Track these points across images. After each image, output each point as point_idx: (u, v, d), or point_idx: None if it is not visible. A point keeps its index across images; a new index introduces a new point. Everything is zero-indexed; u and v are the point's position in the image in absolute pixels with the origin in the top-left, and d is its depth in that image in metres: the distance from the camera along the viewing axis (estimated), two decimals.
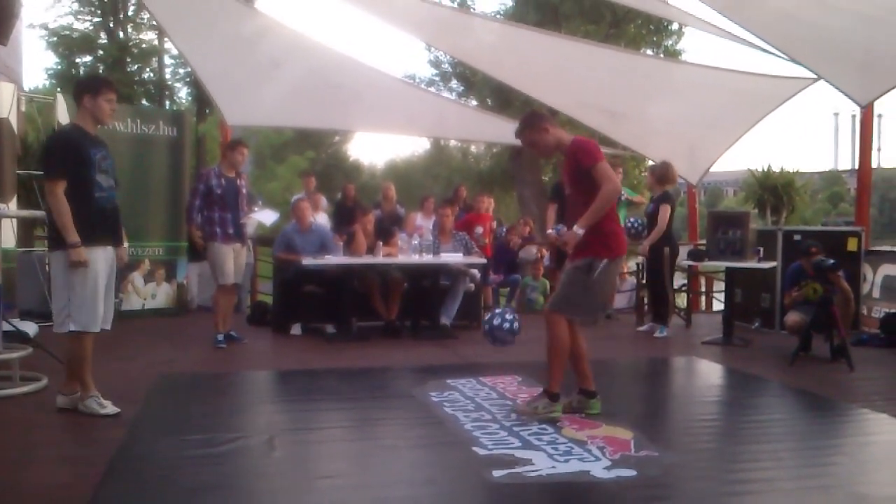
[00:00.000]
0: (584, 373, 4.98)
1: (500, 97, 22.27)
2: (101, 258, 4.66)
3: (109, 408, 4.69)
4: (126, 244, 5.15)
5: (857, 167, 11.03)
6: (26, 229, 9.11)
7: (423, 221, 10.49)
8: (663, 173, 8.58)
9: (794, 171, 11.43)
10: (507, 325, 5.32)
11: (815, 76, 9.28)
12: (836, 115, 73.74)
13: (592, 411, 4.87)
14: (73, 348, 4.68)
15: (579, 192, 4.72)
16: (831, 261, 7.01)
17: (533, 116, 4.92)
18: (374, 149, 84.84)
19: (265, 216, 9.84)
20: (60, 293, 4.63)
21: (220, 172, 7.39)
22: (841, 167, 60.68)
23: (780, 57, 8.83)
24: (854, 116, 66.38)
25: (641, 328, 8.87)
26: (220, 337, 7.40)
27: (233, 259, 7.38)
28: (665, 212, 8.30)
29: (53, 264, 4.72)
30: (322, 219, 10.09)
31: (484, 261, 9.12)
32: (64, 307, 4.60)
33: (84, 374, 4.70)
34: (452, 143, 32.30)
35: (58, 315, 4.65)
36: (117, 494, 3.45)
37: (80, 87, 4.83)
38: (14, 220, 7.68)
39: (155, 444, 4.19)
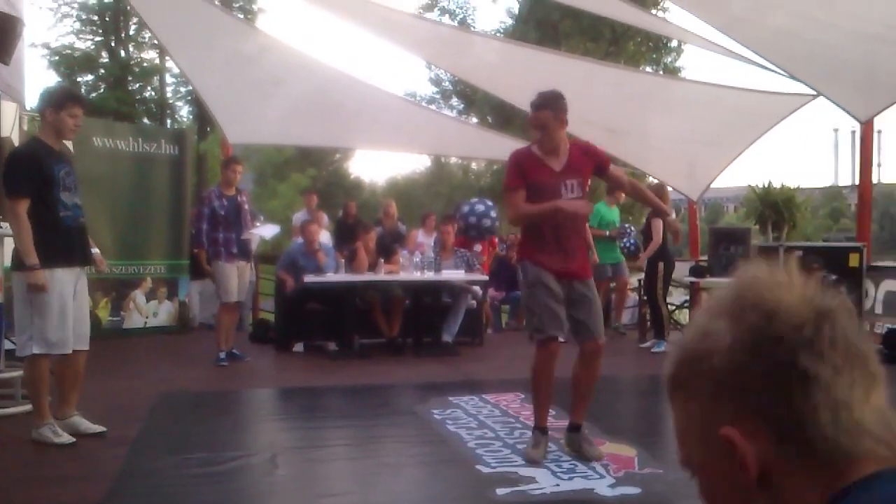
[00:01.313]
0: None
1: (500, 115, 22.38)
2: (67, 279, 4.48)
3: (64, 437, 4.49)
4: (96, 249, 5.00)
5: (857, 183, 11.03)
6: None
7: (424, 238, 10.49)
8: (658, 193, 8.67)
9: (795, 186, 11.43)
10: None
11: (815, 93, 9.31)
12: (836, 130, 73.61)
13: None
14: (31, 372, 4.51)
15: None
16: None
17: (560, 99, 4.48)
18: (375, 166, 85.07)
19: (266, 230, 9.85)
20: (24, 315, 4.45)
21: (220, 193, 7.44)
22: (841, 183, 60.73)
23: (779, 74, 8.87)
24: (854, 132, 66.38)
25: (644, 345, 8.85)
26: (223, 355, 7.39)
27: (236, 277, 7.39)
28: (658, 226, 8.35)
29: (15, 285, 4.55)
30: (324, 237, 10.09)
31: (485, 278, 9.12)
32: (26, 329, 4.43)
33: (42, 398, 4.50)
34: (453, 160, 32.39)
35: (20, 337, 4.49)
36: None
37: (43, 99, 4.60)
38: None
39: (157, 462, 4.19)
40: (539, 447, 4.25)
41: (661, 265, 8.39)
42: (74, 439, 4.48)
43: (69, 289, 4.49)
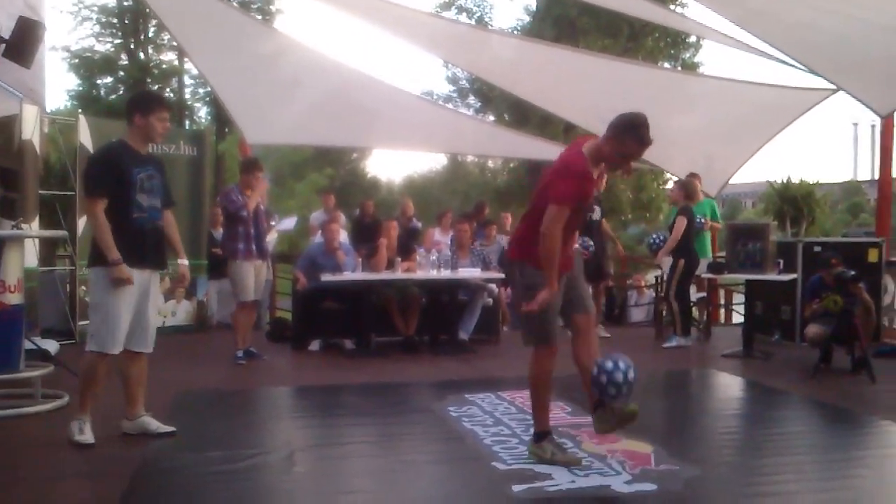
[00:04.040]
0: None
1: (517, 113, 22.35)
2: (137, 281, 4.53)
3: (87, 436, 4.48)
4: (185, 261, 5.10)
5: (877, 177, 10.95)
6: (48, 249, 9.22)
7: (440, 237, 10.51)
8: (691, 189, 8.75)
9: (814, 182, 11.36)
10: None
11: (835, 87, 9.25)
12: (856, 125, 73.38)
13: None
14: (84, 367, 4.59)
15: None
16: (852, 272, 6.96)
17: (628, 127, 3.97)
18: (392, 165, 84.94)
19: (286, 224, 9.90)
20: (91, 311, 4.61)
21: (241, 191, 7.45)
22: (860, 177, 60.28)
23: (798, 68, 8.81)
24: (874, 126, 65.97)
25: (666, 344, 8.71)
26: (240, 353, 7.44)
27: (254, 276, 7.42)
28: (680, 224, 8.35)
29: (90, 282, 4.66)
30: (342, 236, 10.13)
31: (502, 276, 9.11)
32: (91, 325, 4.57)
33: (87, 394, 4.56)
34: (470, 158, 32.37)
35: (89, 332, 4.61)
36: None
37: (131, 104, 4.74)
38: (36, 240, 7.75)
39: (176, 460, 4.22)
40: (564, 449, 4.23)
41: (681, 262, 8.40)
42: (93, 441, 4.48)
43: (134, 290, 4.52)
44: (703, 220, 9.34)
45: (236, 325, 7.56)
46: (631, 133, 3.92)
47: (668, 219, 10.34)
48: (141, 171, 4.57)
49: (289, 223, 9.51)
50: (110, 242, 4.41)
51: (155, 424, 4.72)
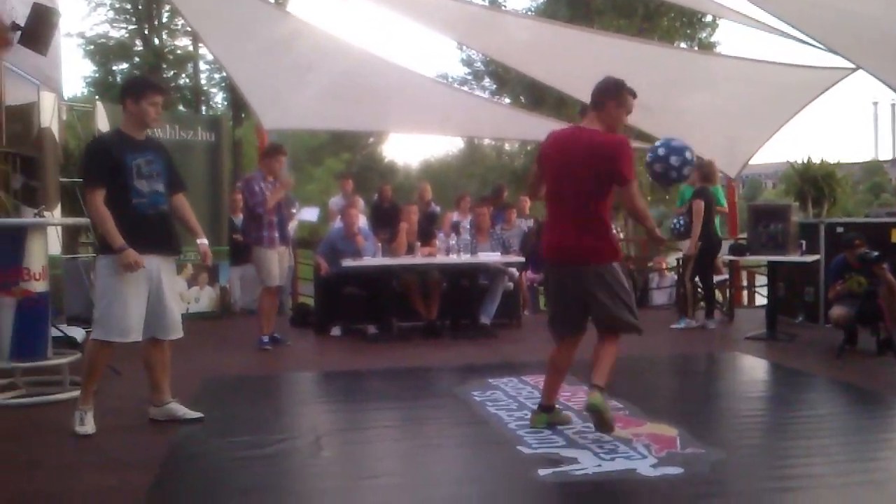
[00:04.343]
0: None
1: (533, 94, 22.27)
2: (145, 266, 4.50)
3: (87, 427, 4.48)
4: (204, 240, 5.07)
5: None
6: (71, 236, 9.27)
7: (459, 220, 10.49)
8: (707, 171, 8.70)
9: (835, 162, 11.27)
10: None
11: (854, 66, 9.15)
12: (876, 104, 72.66)
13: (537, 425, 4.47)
14: (87, 355, 4.58)
15: (584, 192, 4.22)
16: (876, 253, 6.91)
17: (622, 87, 4.41)
18: (409, 149, 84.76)
19: (308, 214, 9.91)
20: (97, 299, 4.60)
21: (264, 177, 7.45)
22: (881, 157, 59.74)
23: (817, 47, 8.72)
24: (894, 105, 65.43)
25: (677, 326, 8.72)
26: (266, 339, 7.48)
27: (277, 262, 7.44)
28: (698, 206, 8.33)
29: (97, 269, 4.66)
30: (361, 221, 10.15)
31: (522, 259, 9.10)
32: (95, 313, 4.56)
33: (89, 385, 4.56)
34: (486, 141, 32.31)
35: (94, 320, 4.61)
36: (168, 497, 3.52)
37: (123, 90, 4.72)
38: (59, 228, 7.80)
39: (203, 446, 4.26)
40: None
41: (699, 243, 8.39)
42: (94, 431, 4.48)
43: (143, 276, 4.49)
44: None
45: (261, 310, 7.58)
46: (624, 89, 4.34)
47: (676, 199, 10.31)
48: (137, 157, 4.53)
49: (311, 214, 9.49)
50: (112, 230, 4.38)
51: (182, 410, 4.74)
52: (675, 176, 4.86)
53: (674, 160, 4.78)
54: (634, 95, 4.43)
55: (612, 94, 4.32)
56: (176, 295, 4.87)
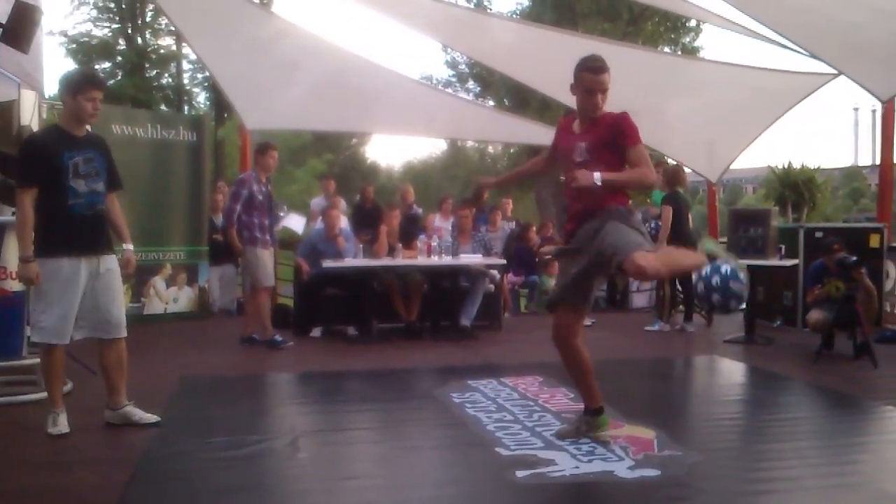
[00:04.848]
0: (590, 389, 4.35)
1: (517, 97, 22.31)
2: (73, 268, 4.37)
3: (61, 426, 4.41)
4: (130, 247, 4.82)
5: (878, 162, 10.94)
6: None
7: (441, 223, 10.50)
8: (672, 176, 8.78)
9: (815, 167, 11.37)
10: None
11: (836, 71, 9.22)
12: (856, 110, 73.23)
13: (602, 430, 4.31)
14: (41, 359, 4.49)
15: (596, 166, 4.00)
16: (854, 258, 6.97)
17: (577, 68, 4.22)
18: (392, 151, 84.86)
19: (294, 222, 9.88)
20: (34, 301, 4.48)
21: (258, 178, 7.46)
22: (861, 163, 60.22)
23: (799, 53, 8.78)
24: (874, 111, 65.90)
25: (651, 328, 8.79)
26: (279, 337, 7.53)
27: (271, 262, 7.49)
28: (666, 212, 8.41)
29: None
30: (343, 222, 10.14)
31: (504, 262, 9.12)
32: (32, 316, 4.47)
33: (52, 387, 4.48)
34: (470, 143, 32.35)
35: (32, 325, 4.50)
36: (144, 496, 3.49)
37: (61, 85, 4.49)
38: None
39: (180, 446, 4.23)
40: None
41: None
42: (68, 430, 4.42)
43: (76, 278, 4.38)
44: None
45: (260, 310, 7.57)
46: (578, 67, 4.18)
47: (651, 203, 10.40)
48: (74, 154, 4.39)
49: (297, 223, 9.44)
50: (27, 237, 4.26)
51: (139, 414, 4.65)
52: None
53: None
54: (598, 70, 4.12)
55: (573, 80, 4.23)
56: (118, 294, 4.65)
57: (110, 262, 4.59)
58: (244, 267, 7.98)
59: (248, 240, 7.38)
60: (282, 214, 9.90)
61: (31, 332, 4.47)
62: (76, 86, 4.43)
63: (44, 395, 5.13)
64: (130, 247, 4.82)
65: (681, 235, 8.52)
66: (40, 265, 4.31)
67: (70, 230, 4.37)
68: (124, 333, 4.67)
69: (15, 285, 5.38)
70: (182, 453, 4.10)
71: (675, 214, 8.42)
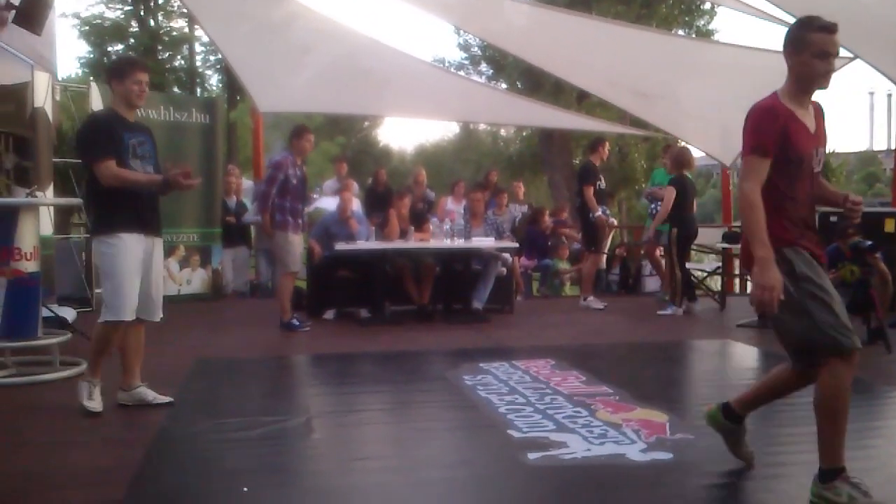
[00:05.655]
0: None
1: (530, 80, 22.16)
2: (140, 247, 4.51)
3: (95, 403, 4.48)
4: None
5: (892, 147, 10.84)
6: (63, 217, 9.26)
7: (453, 206, 10.50)
8: (679, 158, 8.79)
9: (830, 151, 11.27)
10: None
11: (851, 55, 9.14)
12: (872, 94, 72.68)
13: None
14: (97, 335, 4.55)
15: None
16: (868, 242, 6.92)
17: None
18: (404, 134, 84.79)
19: (328, 204, 9.90)
20: (102, 281, 4.59)
21: (294, 162, 7.45)
22: (876, 147, 59.80)
23: None
24: (890, 95, 65.38)
25: (663, 312, 8.77)
26: (296, 321, 7.52)
27: (300, 247, 7.53)
28: (669, 194, 8.41)
29: (96, 251, 4.64)
30: (355, 205, 10.17)
31: (516, 245, 9.11)
32: (104, 295, 4.55)
33: (98, 360, 4.55)
34: (482, 127, 32.25)
35: (103, 302, 4.57)
36: (158, 476, 3.51)
37: (107, 72, 4.77)
38: (51, 208, 7.78)
39: (193, 427, 4.26)
40: (865, 490, 3.13)
41: (674, 231, 8.45)
42: (101, 409, 4.48)
43: (140, 256, 4.51)
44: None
45: (284, 294, 7.57)
46: (806, 27, 3.21)
47: (648, 185, 10.40)
48: (132, 136, 4.54)
49: (331, 205, 9.43)
50: (143, 178, 4.48)
51: (152, 395, 4.68)
52: None
53: None
54: (833, 29, 3.21)
55: (785, 47, 3.29)
56: (160, 276, 4.83)
57: (159, 245, 4.75)
58: (272, 250, 7.99)
59: (279, 224, 7.35)
60: (315, 196, 9.95)
61: (103, 310, 4.51)
62: (123, 71, 4.59)
63: (58, 375, 5.23)
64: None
65: (684, 220, 8.51)
66: (107, 244, 4.42)
67: (133, 209, 4.50)
68: (161, 315, 4.77)
69: (29, 266, 5.41)
70: (196, 434, 4.13)
71: (681, 198, 8.41)
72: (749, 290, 3.18)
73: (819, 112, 3.37)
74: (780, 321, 3.26)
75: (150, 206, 4.65)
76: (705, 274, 10.71)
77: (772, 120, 3.17)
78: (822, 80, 3.22)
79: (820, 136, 3.32)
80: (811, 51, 3.17)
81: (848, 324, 3.13)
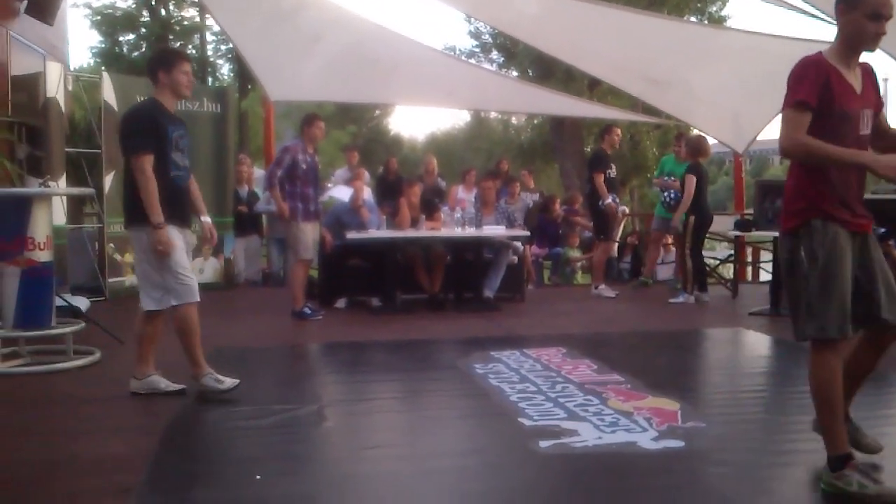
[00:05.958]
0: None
1: (541, 68, 22.07)
2: (179, 236, 4.54)
3: (227, 382, 4.59)
4: (207, 219, 5.09)
5: None
6: (75, 206, 9.30)
7: (464, 194, 10.49)
8: (695, 146, 8.75)
9: None
10: None
11: None
12: (885, 80, 71.85)
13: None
14: (179, 325, 4.58)
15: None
16: (882, 229, 6.88)
17: None
18: (415, 122, 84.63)
19: (342, 192, 9.91)
20: (147, 272, 4.56)
21: (304, 148, 7.47)
22: None
23: (827, 22, 8.62)
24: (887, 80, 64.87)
25: (675, 300, 8.75)
26: (308, 310, 7.55)
27: (312, 234, 7.51)
28: (690, 183, 8.36)
29: (136, 243, 4.59)
30: (366, 193, 10.17)
31: (527, 233, 9.10)
32: (158, 285, 4.53)
33: (194, 347, 4.62)
34: (493, 115, 32.15)
35: (151, 292, 4.56)
36: (171, 465, 3.53)
37: (152, 63, 4.68)
38: (64, 198, 7.81)
39: (206, 415, 4.28)
40: (875, 477, 3.13)
41: (692, 219, 8.41)
42: (238, 381, 4.56)
43: (181, 242, 4.57)
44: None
45: (296, 282, 7.60)
46: None
47: (659, 174, 10.34)
48: (174, 129, 4.56)
49: (345, 194, 9.43)
50: (156, 203, 4.37)
51: (164, 383, 4.69)
52: None
53: None
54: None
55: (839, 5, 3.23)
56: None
57: (191, 236, 4.83)
58: (286, 237, 8.00)
59: (291, 213, 7.37)
60: (329, 185, 9.95)
61: (168, 296, 4.54)
62: (171, 62, 4.60)
63: (72, 364, 5.28)
64: (208, 219, 5.05)
65: (699, 208, 8.47)
66: (160, 233, 4.41)
67: (175, 200, 4.54)
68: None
69: (42, 255, 5.44)
70: (208, 422, 4.16)
71: (696, 185, 8.38)
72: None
73: (868, 73, 3.26)
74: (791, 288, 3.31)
75: (187, 200, 4.72)
76: (718, 262, 10.69)
77: (815, 72, 3.09)
78: (871, 42, 3.14)
79: (868, 97, 3.19)
80: (863, 10, 3.08)
81: (846, 312, 3.08)
